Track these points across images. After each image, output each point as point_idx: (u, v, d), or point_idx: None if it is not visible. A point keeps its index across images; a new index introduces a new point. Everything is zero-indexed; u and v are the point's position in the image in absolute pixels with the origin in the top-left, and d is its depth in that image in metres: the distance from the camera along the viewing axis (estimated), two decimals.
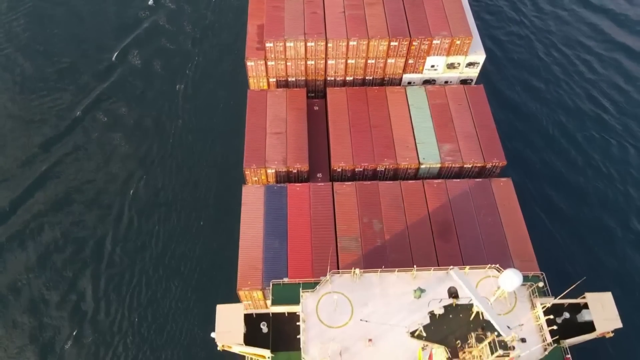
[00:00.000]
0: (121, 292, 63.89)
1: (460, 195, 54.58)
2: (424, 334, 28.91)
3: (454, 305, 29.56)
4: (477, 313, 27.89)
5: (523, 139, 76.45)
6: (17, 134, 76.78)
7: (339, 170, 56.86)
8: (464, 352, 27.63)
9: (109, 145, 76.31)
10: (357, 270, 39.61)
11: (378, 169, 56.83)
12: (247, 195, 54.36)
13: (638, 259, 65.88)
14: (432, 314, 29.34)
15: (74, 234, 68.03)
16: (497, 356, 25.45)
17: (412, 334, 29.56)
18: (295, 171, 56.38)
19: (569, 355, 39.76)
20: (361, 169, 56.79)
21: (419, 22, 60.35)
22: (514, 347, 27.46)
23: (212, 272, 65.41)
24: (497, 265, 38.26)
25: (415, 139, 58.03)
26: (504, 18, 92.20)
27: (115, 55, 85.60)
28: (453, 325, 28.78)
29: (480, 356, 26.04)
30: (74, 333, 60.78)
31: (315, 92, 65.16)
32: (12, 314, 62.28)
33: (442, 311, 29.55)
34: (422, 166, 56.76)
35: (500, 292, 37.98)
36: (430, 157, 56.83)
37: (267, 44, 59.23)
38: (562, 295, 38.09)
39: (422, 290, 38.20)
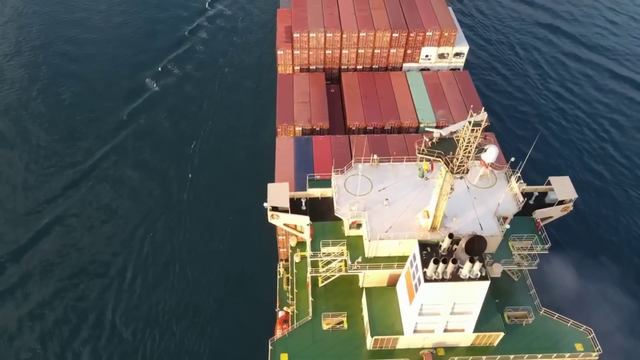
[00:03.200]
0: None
1: None
2: (428, 153, 42.75)
3: (446, 137, 43.59)
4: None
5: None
6: (25, 189, 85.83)
7: (354, 128, 72.14)
8: (454, 160, 41.37)
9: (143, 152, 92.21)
10: (375, 156, 53.95)
11: (385, 127, 72.19)
12: (280, 143, 68.98)
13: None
14: (432, 141, 43.26)
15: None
16: (473, 130, 39.11)
17: (419, 151, 43.24)
18: (318, 128, 71.47)
19: (540, 220, 52.92)
20: (371, 128, 72.15)
21: (415, 19, 79.12)
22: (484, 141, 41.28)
23: None
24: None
25: (414, 106, 73.93)
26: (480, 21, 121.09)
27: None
28: (446, 146, 42.62)
29: (464, 140, 39.65)
30: None
31: (331, 79, 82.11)
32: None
33: (438, 135, 43.51)
34: (421, 125, 72.21)
35: (483, 171, 52.43)
36: (427, 118, 72.39)
37: (295, 35, 77.23)
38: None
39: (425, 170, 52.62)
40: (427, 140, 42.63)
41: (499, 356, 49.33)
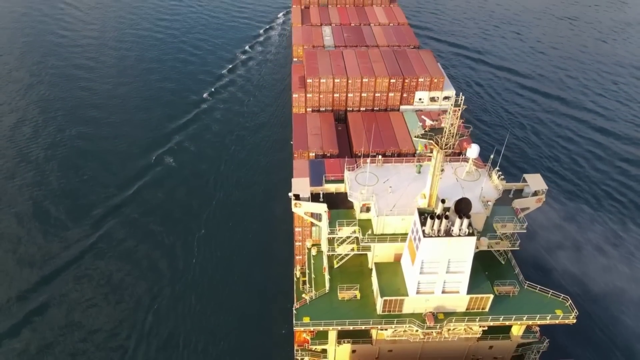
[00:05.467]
0: None
1: None
2: (422, 136, 55.26)
3: (436, 127, 56.24)
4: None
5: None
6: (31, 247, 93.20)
7: (359, 154, 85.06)
8: (442, 139, 53.82)
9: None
10: (380, 156, 66.44)
11: (386, 153, 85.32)
12: (296, 165, 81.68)
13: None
14: (424, 129, 55.85)
15: None
16: (454, 110, 51.66)
17: (416, 136, 55.60)
18: (328, 154, 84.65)
19: (518, 209, 64.16)
20: (374, 153, 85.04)
21: (408, 68, 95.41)
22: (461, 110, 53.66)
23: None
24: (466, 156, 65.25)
25: (411, 137, 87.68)
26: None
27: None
28: (436, 132, 55.11)
29: (448, 121, 52.20)
30: None
31: (339, 119, 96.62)
32: None
33: (430, 123, 56.08)
34: (417, 151, 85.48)
35: (469, 167, 64.93)
36: (421, 145, 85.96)
37: (308, 80, 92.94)
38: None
39: (421, 166, 65.13)
40: (422, 127, 55.60)
41: (490, 317, 58.56)
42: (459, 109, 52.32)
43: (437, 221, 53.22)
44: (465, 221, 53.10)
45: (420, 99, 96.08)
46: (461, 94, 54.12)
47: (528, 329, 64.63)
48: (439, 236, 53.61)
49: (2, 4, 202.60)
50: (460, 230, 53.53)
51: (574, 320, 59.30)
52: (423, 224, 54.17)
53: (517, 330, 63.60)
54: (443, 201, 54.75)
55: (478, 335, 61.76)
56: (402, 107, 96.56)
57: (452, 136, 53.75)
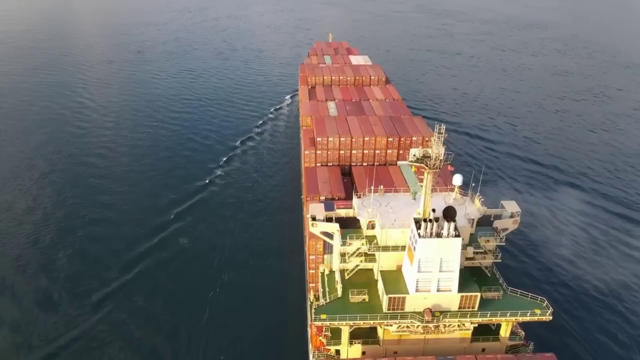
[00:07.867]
0: None
1: None
2: (415, 161, 70.38)
3: (426, 155, 71.72)
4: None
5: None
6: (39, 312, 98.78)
7: None
8: (430, 161, 68.85)
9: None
10: (381, 187, 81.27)
11: None
12: (309, 204, 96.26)
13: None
14: (415, 157, 71.10)
15: None
16: (439, 135, 66.89)
17: (410, 161, 70.57)
18: (337, 198, 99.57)
19: (498, 228, 77.71)
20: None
21: (404, 129, 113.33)
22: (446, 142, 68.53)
23: None
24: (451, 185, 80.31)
25: (407, 184, 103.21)
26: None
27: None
28: (425, 158, 70.42)
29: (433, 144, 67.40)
30: None
31: (344, 173, 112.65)
32: None
33: (420, 154, 71.46)
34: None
35: (455, 193, 79.79)
36: (417, 188, 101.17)
37: (318, 139, 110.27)
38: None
39: (416, 193, 79.98)
40: (414, 155, 71.41)
41: (479, 312, 70.13)
42: (442, 135, 68.32)
43: (429, 224, 67.02)
44: (452, 224, 66.92)
45: (414, 155, 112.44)
46: (442, 124, 70.55)
47: (514, 333, 75.56)
48: (431, 237, 67.12)
49: (21, 97, 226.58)
50: (448, 233, 67.16)
51: (550, 317, 70.76)
52: (418, 228, 67.92)
53: (504, 331, 74.58)
54: (434, 210, 68.93)
55: (470, 331, 72.69)
56: (399, 162, 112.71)
57: (438, 159, 69.26)
